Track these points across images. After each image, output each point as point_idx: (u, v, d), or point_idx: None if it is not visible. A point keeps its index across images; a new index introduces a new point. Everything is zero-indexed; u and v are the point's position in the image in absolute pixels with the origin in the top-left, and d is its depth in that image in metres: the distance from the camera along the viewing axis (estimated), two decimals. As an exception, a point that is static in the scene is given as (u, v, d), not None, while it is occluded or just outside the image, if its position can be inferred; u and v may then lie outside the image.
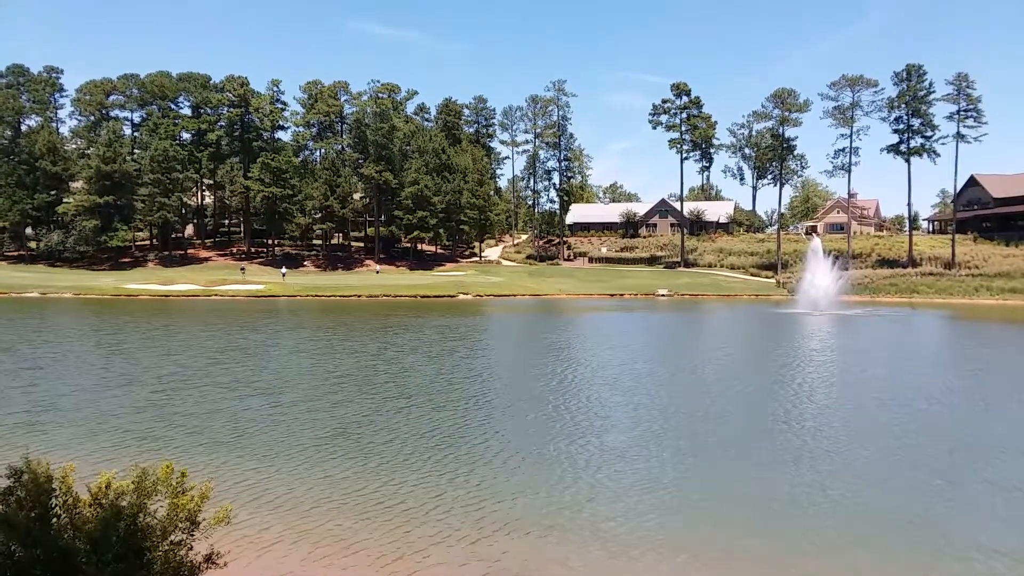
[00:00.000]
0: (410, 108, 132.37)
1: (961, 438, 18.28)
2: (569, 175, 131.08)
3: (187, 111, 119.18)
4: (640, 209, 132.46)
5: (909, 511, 12.85)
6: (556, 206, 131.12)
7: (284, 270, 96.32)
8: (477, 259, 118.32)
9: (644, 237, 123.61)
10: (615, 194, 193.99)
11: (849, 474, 14.95)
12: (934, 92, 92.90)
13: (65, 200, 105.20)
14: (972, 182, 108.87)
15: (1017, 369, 31.79)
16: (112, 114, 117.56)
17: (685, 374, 28.53)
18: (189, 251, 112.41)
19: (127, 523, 6.42)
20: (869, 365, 30.78)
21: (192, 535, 7.03)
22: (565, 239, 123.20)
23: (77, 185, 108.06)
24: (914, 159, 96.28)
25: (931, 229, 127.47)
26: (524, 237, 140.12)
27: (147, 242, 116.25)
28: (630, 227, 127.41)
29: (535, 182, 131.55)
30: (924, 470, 15.30)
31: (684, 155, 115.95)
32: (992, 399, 23.43)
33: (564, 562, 10.71)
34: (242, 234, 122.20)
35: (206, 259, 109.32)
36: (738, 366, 31.61)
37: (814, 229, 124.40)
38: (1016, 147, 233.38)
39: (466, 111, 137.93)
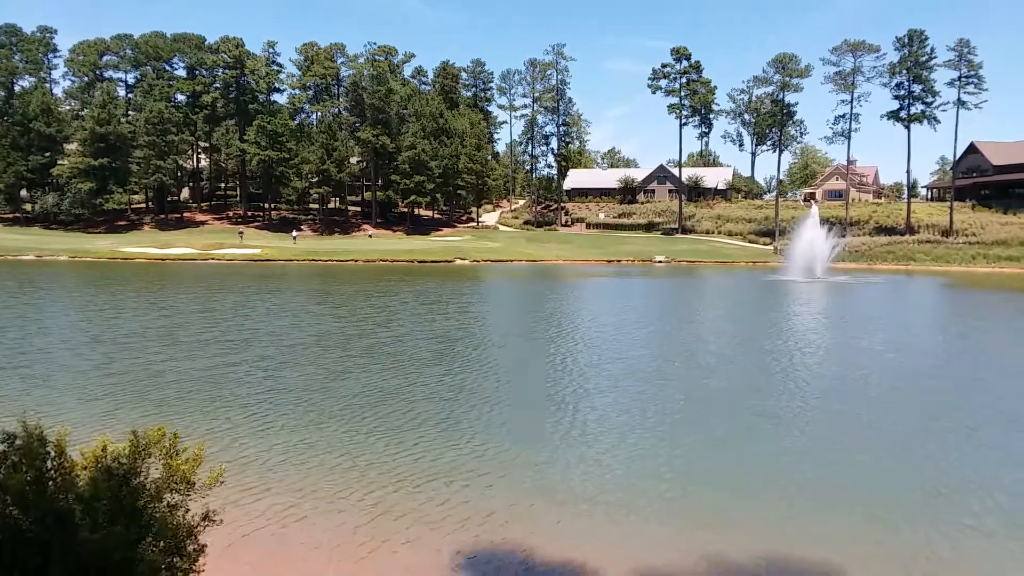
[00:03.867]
0: (407, 71, 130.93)
1: (945, 409, 18.44)
2: (567, 140, 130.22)
3: (182, 72, 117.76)
4: (638, 175, 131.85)
5: (896, 474, 13.00)
6: (554, 171, 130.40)
7: (295, 233, 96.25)
8: (474, 224, 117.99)
9: (642, 203, 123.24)
10: (613, 160, 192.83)
11: (837, 437, 15.10)
12: (935, 58, 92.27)
13: (60, 162, 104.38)
14: (972, 149, 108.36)
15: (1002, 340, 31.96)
16: (106, 75, 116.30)
17: (679, 341, 28.64)
18: (185, 215, 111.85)
19: (120, 484, 6.47)
20: (853, 331, 31.01)
21: (188, 496, 7.09)
22: (563, 205, 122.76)
23: (72, 147, 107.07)
24: (914, 126, 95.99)
25: (930, 197, 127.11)
26: (522, 202, 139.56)
27: (143, 205, 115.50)
28: (628, 193, 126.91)
29: (533, 147, 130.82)
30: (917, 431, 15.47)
31: (683, 121, 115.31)
32: (981, 370, 23.62)
33: (555, 524, 10.83)
34: (238, 198, 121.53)
35: (202, 223, 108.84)
36: (730, 332, 31.74)
37: (813, 196, 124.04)
38: (1016, 114, 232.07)
39: (464, 75, 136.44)
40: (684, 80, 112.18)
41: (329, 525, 10.73)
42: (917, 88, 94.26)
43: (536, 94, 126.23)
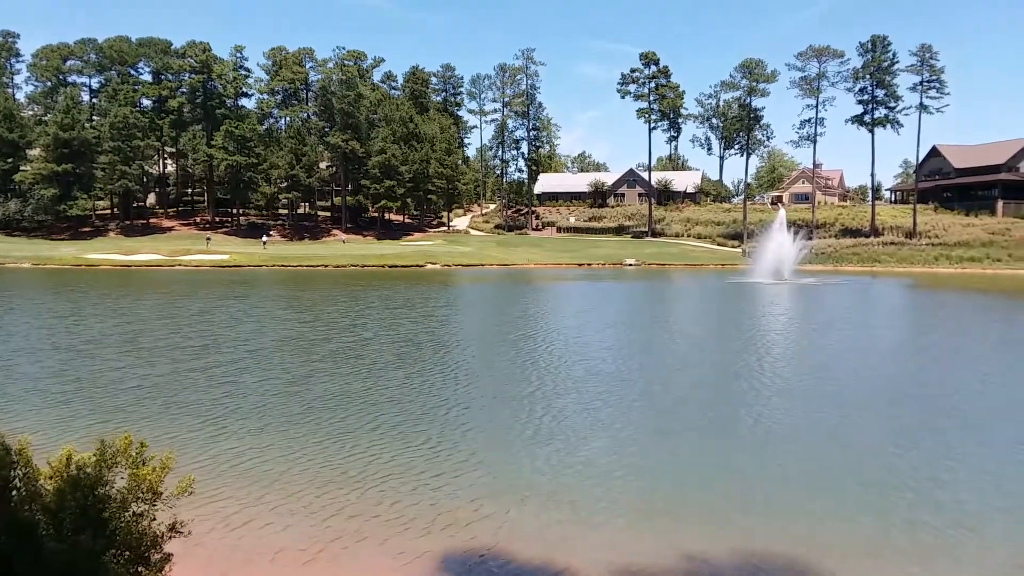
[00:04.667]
0: (376, 76, 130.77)
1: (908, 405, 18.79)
2: (537, 144, 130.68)
3: (147, 77, 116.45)
4: (608, 179, 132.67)
5: (859, 468, 13.23)
6: (524, 176, 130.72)
7: (265, 238, 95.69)
8: (445, 229, 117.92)
9: (612, 207, 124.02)
10: (583, 164, 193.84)
11: (803, 433, 15.33)
12: (898, 63, 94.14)
13: (22, 168, 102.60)
14: (934, 152, 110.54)
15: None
16: (70, 80, 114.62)
17: (646, 342, 28.87)
18: (151, 220, 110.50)
19: (85, 494, 6.42)
20: (816, 331, 31.50)
21: (155, 505, 7.04)
22: (533, 209, 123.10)
23: (34, 153, 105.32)
24: (878, 130, 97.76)
25: (893, 199, 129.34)
26: (492, 207, 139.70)
27: (108, 211, 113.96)
28: (598, 197, 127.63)
29: (503, 151, 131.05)
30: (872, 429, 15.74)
31: (652, 125, 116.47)
32: (937, 365, 24.12)
33: (520, 524, 10.88)
34: (206, 203, 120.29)
35: (169, 229, 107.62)
36: (695, 334, 32.04)
37: (780, 199, 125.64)
38: (977, 118, 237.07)
39: (433, 79, 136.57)
40: (653, 85, 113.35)
41: (288, 529, 10.67)
42: (880, 93, 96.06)
43: (506, 99, 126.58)
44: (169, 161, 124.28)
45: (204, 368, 21.79)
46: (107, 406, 17.30)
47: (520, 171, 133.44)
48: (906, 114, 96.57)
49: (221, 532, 10.50)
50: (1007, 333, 32.91)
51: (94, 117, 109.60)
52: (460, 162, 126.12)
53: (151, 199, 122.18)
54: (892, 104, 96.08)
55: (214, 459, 13.55)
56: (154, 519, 7.19)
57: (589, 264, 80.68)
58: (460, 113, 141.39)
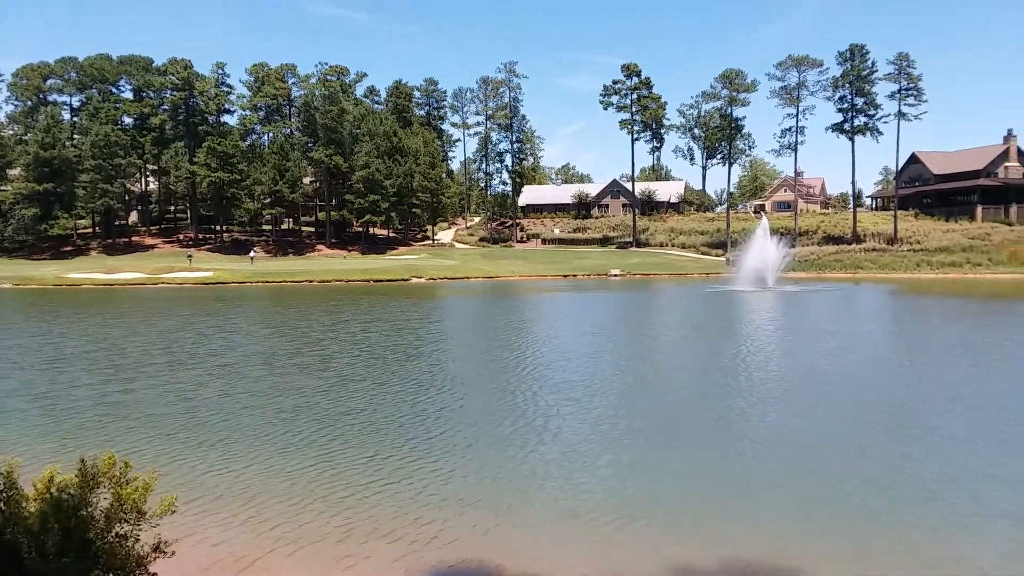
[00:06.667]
0: (359, 91, 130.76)
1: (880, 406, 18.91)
2: (521, 157, 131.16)
3: (128, 95, 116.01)
4: (592, 190, 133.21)
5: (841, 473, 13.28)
6: (508, 188, 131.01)
7: (252, 253, 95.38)
8: (430, 242, 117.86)
9: (596, 218, 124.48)
10: (567, 175, 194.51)
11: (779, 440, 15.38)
12: (876, 71, 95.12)
13: (2, 188, 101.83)
14: (913, 159, 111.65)
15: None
16: (50, 99, 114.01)
17: (627, 353, 28.90)
18: (134, 239, 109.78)
19: (68, 516, 6.36)
20: (801, 339, 31.67)
21: (139, 526, 6.99)
22: (518, 221, 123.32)
23: (15, 172, 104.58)
24: (858, 137, 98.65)
25: (874, 206, 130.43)
26: (477, 219, 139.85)
27: (89, 230, 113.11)
28: (582, 208, 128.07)
29: (487, 164, 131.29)
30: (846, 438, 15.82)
31: (635, 136, 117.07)
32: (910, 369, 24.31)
33: (502, 536, 10.85)
34: (189, 220, 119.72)
35: (152, 247, 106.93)
36: (679, 345, 32.12)
37: (762, 208, 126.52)
38: (957, 124, 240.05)
39: (416, 93, 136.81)
40: (635, 96, 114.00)
41: (261, 543, 10.62)
42: (860, 101, 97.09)
43: (489, 112, 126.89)
44: (151, 179, 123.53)
45: (175, 383, 21.65)
46: (69, 424, 17.27)
47: (504, 184, 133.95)
48: (885, 122, 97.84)
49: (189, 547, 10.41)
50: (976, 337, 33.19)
51: (75, 136, 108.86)
52: (444, 175, 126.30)
53: (133, 217, 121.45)
54: (871, 112, 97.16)
55: (183, 472, 13.52)
56: (138, 539, 7.14)
57: (574, 275, 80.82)
58: (443, 127, 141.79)
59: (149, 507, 7.02)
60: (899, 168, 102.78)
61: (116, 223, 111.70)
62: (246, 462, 14.26)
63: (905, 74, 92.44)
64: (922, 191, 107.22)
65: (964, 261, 78.73)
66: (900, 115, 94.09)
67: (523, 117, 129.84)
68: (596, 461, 14.15)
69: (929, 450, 14.84)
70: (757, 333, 34.55)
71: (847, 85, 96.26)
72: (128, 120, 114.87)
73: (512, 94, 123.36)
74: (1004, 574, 9.68)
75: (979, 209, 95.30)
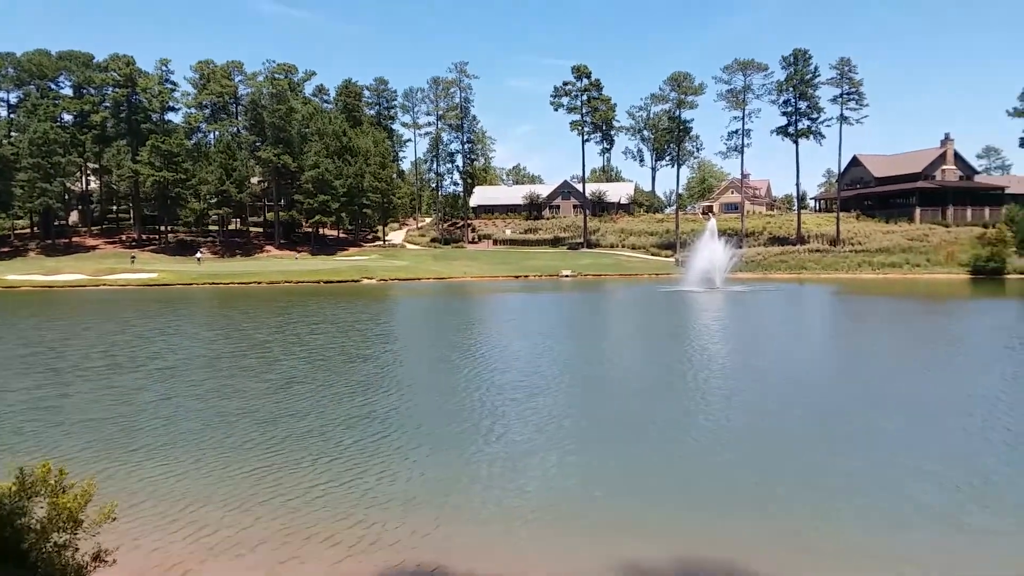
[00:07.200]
0: (308, 89, 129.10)
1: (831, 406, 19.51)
2: (472, 157, 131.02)
3: (68, 91, 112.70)
4: (543, 191, 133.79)
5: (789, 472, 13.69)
6: (460, 189, 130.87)
7: (199, 254, 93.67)
8: (381, 243, 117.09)
9: (548, 219, 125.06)
10: (519, 176, 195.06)
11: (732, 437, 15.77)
12: (819, 76, 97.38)
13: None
14: (855, 162, 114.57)
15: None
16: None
17: (575, 354, 29.21)
18: (74, 239, 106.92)
19: (4, 526, 6.29)
20: (745, 338, 32.41)
21: (75, 535, 6.92)
22: (469, 222, 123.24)
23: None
24: (801, 140, 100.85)
25: (818, 208, 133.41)
26: (428, 220, 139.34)
27: (28, 231, 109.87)
28: (534, 209, 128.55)
29: (438, 165, 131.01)
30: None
31: (585, 137, 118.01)
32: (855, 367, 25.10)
33: (456, 540, 10.95)
34: (132, 221, 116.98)
35: (93, 247, 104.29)
36: (630, 344, 32.58)
37: (710, 209, 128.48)
38: (897, 128, 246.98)
39: (367, 93, 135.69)
40: (585, 97, 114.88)
41: (200, 548, 10.57)
42: (803, 105, 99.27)
43: (440, 112, 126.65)
44: (92, 178, 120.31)
45: (107, 387, 21.26)
46: (2, 430, 16.86)
47: (455, 184, 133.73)
48: (828, 125, 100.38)
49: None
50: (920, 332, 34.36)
51: (12, 133, 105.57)
52: (395, 176, 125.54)
53: (73, 217, 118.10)
54: (814, 115, 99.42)
55: (118, 475, 13.36)
56: (77, 549, 7.07)
57: (526, 276, 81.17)
58: (394, 127, 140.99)
59: (88, 515, 6.96)
60: (841, 171, 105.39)
61: (56, 223, 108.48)
62: (187, 467, 14.12)
63: (847, 79, 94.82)
64: (863, 193, 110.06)
65: (904, 262, 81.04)
66: (842, 119, 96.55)
67: (474, 118, 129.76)
68: (542, 461, 14.33)
69: (859, 447, 15.36)
70: (703, 333, 35.22)
71: (791, 89, 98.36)
72: (68, 117, 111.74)
73: (463, 94, 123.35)
74: (929, 563, 10.13)
75: (918, 211, 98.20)
